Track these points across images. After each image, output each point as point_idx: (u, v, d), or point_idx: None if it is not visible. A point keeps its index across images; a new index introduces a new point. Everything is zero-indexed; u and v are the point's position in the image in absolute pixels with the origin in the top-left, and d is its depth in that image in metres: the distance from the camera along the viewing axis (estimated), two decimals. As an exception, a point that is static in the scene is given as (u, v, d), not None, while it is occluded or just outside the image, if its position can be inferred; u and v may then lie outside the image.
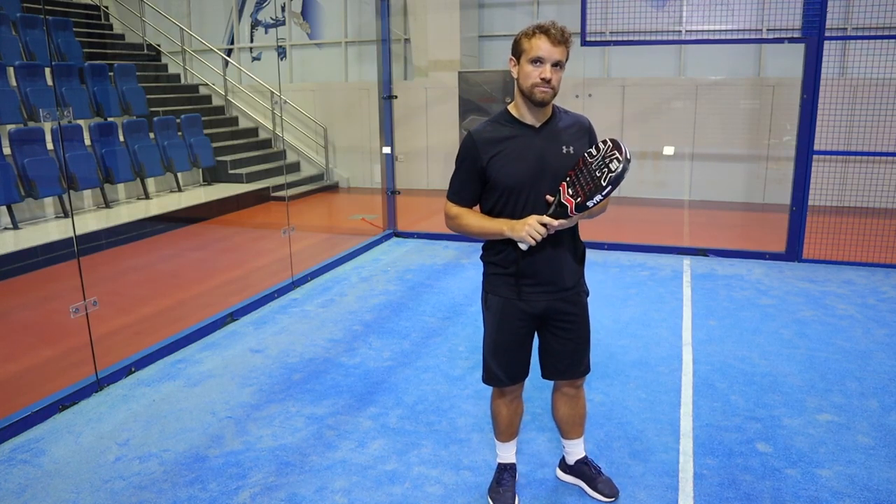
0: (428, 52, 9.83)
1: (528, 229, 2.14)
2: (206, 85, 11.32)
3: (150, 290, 5.60)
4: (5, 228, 6.77)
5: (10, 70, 7.97)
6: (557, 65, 2.16)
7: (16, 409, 3.31)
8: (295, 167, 11.02)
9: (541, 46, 2.13)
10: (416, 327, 4.56)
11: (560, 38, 2.14)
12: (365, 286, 5.51)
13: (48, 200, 7.37)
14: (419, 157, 10.15)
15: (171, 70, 11.46)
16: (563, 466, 2.78)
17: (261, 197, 9.55)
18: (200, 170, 9.66)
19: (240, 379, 3.81)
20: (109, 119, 8.68)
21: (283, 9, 11.18)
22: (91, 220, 7.34)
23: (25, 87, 7.93)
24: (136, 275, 6.13)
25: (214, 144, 10.10)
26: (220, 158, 9.87)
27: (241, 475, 2.88)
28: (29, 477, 2.86)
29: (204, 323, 4.50)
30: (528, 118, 2.26)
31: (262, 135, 11.17)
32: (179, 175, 9.20)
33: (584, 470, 2.70)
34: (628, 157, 2.05)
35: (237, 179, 9.80)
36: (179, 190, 9.17)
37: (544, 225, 2.15)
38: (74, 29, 10.05)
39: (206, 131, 10.25)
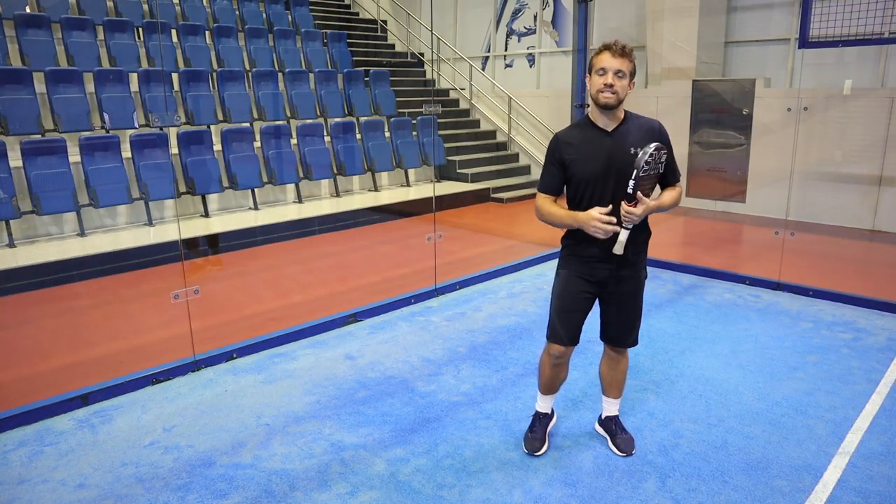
0: (662, 59, 8.74)
1: (594, 223, 2.52)
2: (455, 89, 11.75)
3: (316, 277, 5.88)
4: (248, 209, 7.88)
5: (280, 75, 9.25)
6: (619, 73, 2.50)
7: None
8: (525, 170, 10.74)
9: (604, 59, 2.52)
10: (520, 361, 3.89)
11: (620, 52, 2.51)
12: (506, 303, 4.96)
13: (289, 187, 8.36)
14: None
15: (428, 76, 12.16)
16: (599, 420, 3.14)
17: (481, 196, 9.50)
18: (432, 167, 10.00)
19: (311, 385, 3.68)
20: (349, 118, 9.51)
21: (535, 18, 11.07)
22: (311, 208, 8.07)
23: (291, 90, 9.14)
24: (319, 262, 6.51)
25: (454, 144, 10.39)
26: (450, 158, 10.10)
27: (222, 493, 2.72)
28: (81, 442, 3.13)
29: (324, 320, 4.51)
30: (601, 122, 2.62)
31: (500, 138, 11.15)
32: (412, 171, 9.66)
33: (610, 426, 3.07)
34: (654, 147, 2.48)
35: (463, 179, 9.91)
36: (408, 185, 9.62)
37: (612, 214, 2.53)
38: (351, 40, 11.28)
39: (449, 132, 10.63)
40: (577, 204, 2.66)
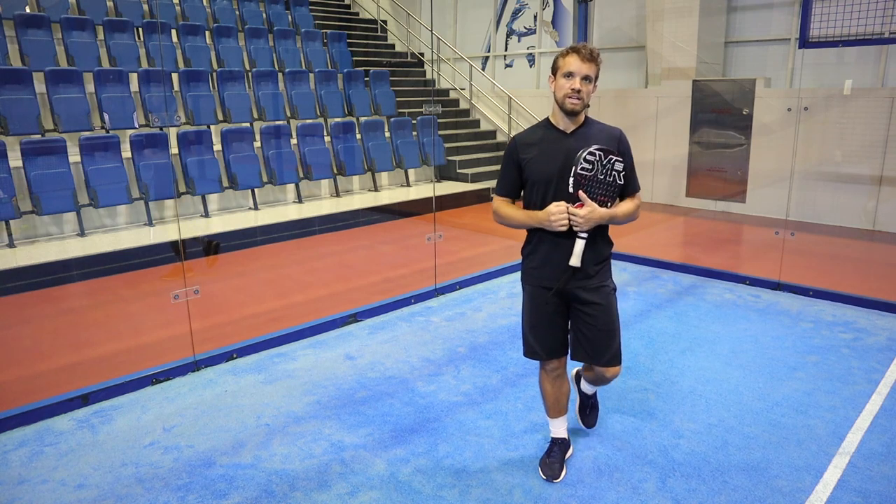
0: (662, 59, 8.76)
1: (552, 217, 2.47)
2: (455, 89, 11.76)
3: (316, 277, 5.88)
4: (248, 209, 7.87)
5: (280, 75, 9.25)
6: (587, 79, 2.47)
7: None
8: (526, 169, 10.73)
9: (572, 63, 2.46)
10: (520, 361, 3.89)
11: (589, 56, 2.46)
12: (505, 303, 4.96)
13: (289, 187, 8.35)
14: (645, 170, 8.99)
15: (428, 76, 12.15)
16: (577, 380, 3.12)
17: (481, 196, 9.50)
18: (432, 167, 10.00)
19: (311, 385, 3.68)
20: (349, 118, 9.51)
21: (535, 18, 11.08)
22: (311, 208, 8.06)
23: (291, 90, 9.14)
24: (319, 262, 6.51)
25: (454, 144, 10.39)
26: (450, 158, 10.10)
27: (222, 493, 2.71)
28: (81, 442, 3.13)
29: (324, 320, 4.51)
30: (562, 125, 2.58)
31: (500, 138, 11.15)
32: (412, 171, 9.66)
33: (584, 400, 3.13)
34: (589, 149, 2.45)
35: (463, 179, 9.91)
36: (408, 185, 9.62)
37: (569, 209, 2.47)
38: (351, 40, 11.27)
39: (449, 132, 10.63)
40: (533, 206, 2.59)
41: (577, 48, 2.47)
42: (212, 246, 6.62)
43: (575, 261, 2.50)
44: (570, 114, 2.51)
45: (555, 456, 2.84)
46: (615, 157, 2.48)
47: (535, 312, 2.69)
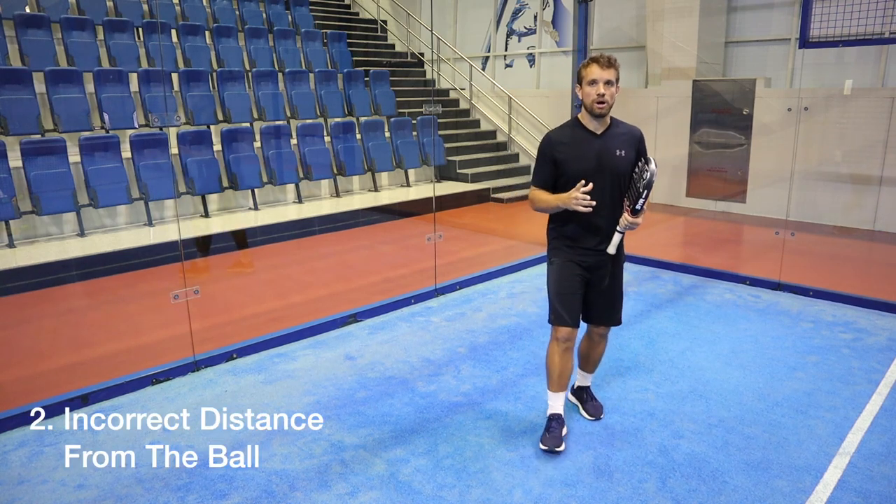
0: (662, 59, 8.76)
1: (573, 199, 2.75)
2: (455, 89, 11.76)
3: (316, 277, 5.88)
4: (248, 209, 7.87)
5: (280, 75, 9.25)
6: (608, 83, 2.76)
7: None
8: (525, 171, 10.73)
9: (593, 71, 2.76)
10: (520, 361, 3.89)
11: (607, 63, 2.76)
12: (506, 304, 4.96)
13: (289, 187, 8.34)
14: (645, 169, 9.03)
15: (428, 76, 12.15)
16: (572, 389, 3.39)
17: (481, 196, 9.50)
18: (432, 167, 10.00)
19: (311, 386, 3.68)
20: (349, 118, 9.51)
21: (535, 18, 11.08)
22: (311, 208, 8.07)
23: (291, 90, 9.13)
24: (319, 262, 6.51)
25: (454, 144, 10.39)
26: (450, 158, 10.10)
27: (222, 493, 2.71)
28: (81, 443, 3.11)
29: (324, 320, 4.50)
30: (591, 126, 2.88)
31: (500, 138, 11.15)
32: (412, 171, 9.65)
33: (581, 395, 3.37)
34: (654, 166, 2.74)
35: (463, 179, 9.90)
36: (408, 185, 9.62)
37: (600, 208, 2.82)
38: (351, 40, 11.27)
39: (449, 132, 10.63)
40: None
41: (595, 58, 2.78)
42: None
43: (612, 249, 2.90)
44: (599, 117, 2.81)
45: (554, 430, 3.01)
46: (647, 167, 2.76)
47: (565, 281, 2.96)
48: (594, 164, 2.82)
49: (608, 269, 2.97)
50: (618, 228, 2.85)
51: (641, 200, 2.74)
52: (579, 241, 2.93)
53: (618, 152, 2.84)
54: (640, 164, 2.82)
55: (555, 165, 2.87)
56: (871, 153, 7.12)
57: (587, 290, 3.02)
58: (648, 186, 2.71)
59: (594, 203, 2.75)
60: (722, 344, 4.16)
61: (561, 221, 2.96)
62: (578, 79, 2.85)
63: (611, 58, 2.78)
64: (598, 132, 2.85)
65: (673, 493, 2.68)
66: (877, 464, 2.85)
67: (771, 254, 5.97)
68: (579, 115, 2.91)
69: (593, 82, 2.75)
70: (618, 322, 3.12)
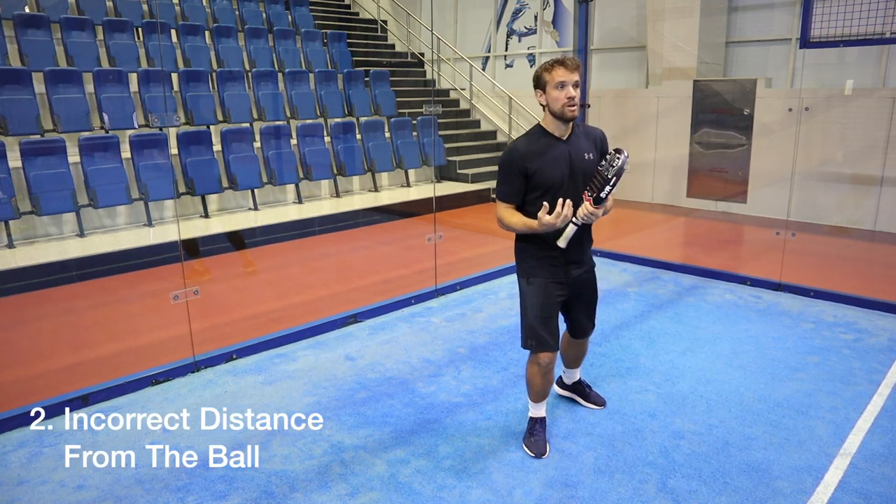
0: (663, 59, 8.77)
1: (544, 220, 2.58)
2: (455, 89, 11.76)
3: (316, 278, 5.88)
4: (248, 209, 7.86)
5: (280, 75, 9.24)
6: (576, 85, 2.67)
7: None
8: (526, 170, 10.73)
9: (561, 74, 2.66)
10: (520, 362, 3.88)
11: (574, 65, 2.67)
12: (506, 304, 4.95)
13: (289, 187, 8.34)
14: (646, 169, 9.01)
15: (428, 76, 12.15)
16: (561, 385, 3.45)
17: (481, 197, 9.49)
18: (433, 168, 9.99)
19: (311, 386, 3.67)
20: (349, 118, 9.50)
21: (535, 18, 11.08)
22: (311, 208, 8.06)
23: (291, 90, 9.13)
24: (319, 263, 6.50)
25: (454, 144, 10.38)
26: (450, 158, 10.09)
27: (222, 494, 2.71)
28: (81, 443, 3.11)
29: (324, 320, 4.50)
30: (557, 132, 2.77)
31: (500, 138, 11.15)
32: (412, 172, 9.65)
33: (579, 388, 3.42)
34: (626, 155, 2.61)
35: (463, 179, 9.90)
36: (408, 185, 9.61)
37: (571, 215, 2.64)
38: (351, 40, 11.26)
39: (449, 132, 10.62)
40: (541, 209, 2.65)
41: (561, 60, 2.66)
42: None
43: (562, 242, 2.71)
44: (569, 121, 2.70)
45: (538, 434, 3.02)
46: (618, 155, 2.64)
47: (547, 305, 2.86)
48: (567, 170, 2.72)
49: (588, 279, 2.95)
50: (573, 220, 2.65)
51: (609, 188, 2.60)
52: (559, 256, 2.81)
53: (586, 156, 2.76)
54: (610, 152, 2.67)
55: (525, 178, 2.73)
56: (871, 153, 7.11)
57: (568, 307, 3.00)
58: (619, 174, 2.59)
59: (569, 214, 2.59)
60: (722, 344, 4.15)
61: (535, 236, 2.80)
62: (540, 84, 2.71)
63: (575, 59, 2.70)
64: (565, 137, 2.75)
65: (674, 493, 2.68)
66: (878, 465, 2.84)
67: (772, 254, 5.96)
68: (542, 122, 2.79)
69: (562, 85, 2.63)
70: (594, 327, 3.13)
